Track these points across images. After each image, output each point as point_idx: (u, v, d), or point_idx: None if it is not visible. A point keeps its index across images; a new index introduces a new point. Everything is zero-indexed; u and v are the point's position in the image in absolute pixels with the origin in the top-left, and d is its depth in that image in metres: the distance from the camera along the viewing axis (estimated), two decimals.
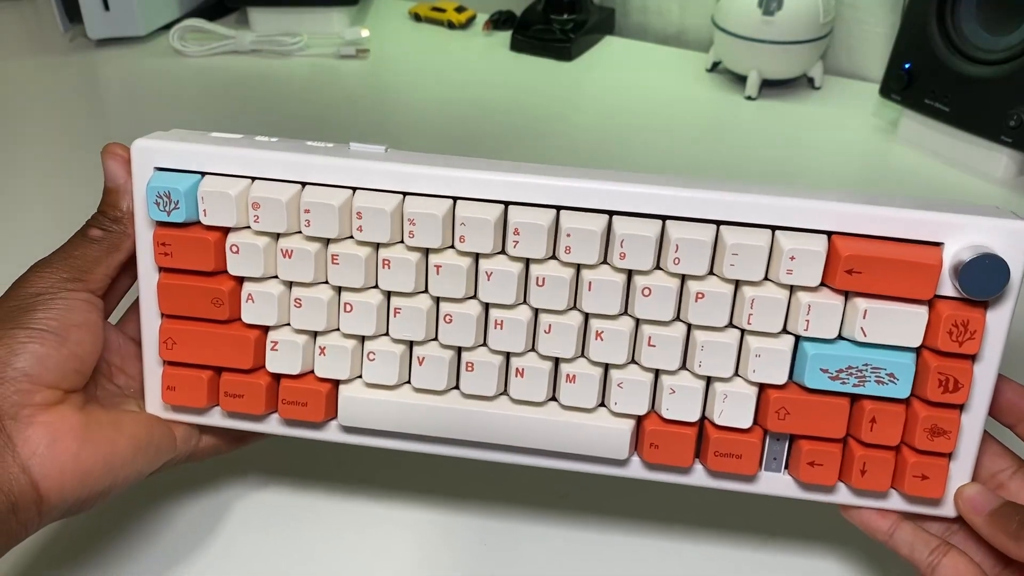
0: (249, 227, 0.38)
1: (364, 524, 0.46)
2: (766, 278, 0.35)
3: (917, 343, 0.35)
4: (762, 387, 0.37)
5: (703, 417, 0.38)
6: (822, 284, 0.35)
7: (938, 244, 0.34)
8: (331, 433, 0.41)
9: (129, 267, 0.41)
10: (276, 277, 0.38)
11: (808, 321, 0.35)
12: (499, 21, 0.98)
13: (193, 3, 1.01)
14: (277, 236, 0.38)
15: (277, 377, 0.39)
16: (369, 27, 0.96)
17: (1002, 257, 0.33)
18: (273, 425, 0.41)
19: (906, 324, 0.34)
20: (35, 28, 1.01)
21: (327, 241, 0.37)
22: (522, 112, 0.84)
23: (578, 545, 0.45)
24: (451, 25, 0.99)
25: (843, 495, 0.38)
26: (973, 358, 0.35)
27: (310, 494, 0.47)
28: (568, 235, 0.35)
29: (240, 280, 0.38)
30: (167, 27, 0.95)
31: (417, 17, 1.01)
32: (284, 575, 0.43)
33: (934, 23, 0.71)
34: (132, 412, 0.40)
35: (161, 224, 0.38)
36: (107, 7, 0.92)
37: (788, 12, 0.79)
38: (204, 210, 0.37)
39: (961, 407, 0.36)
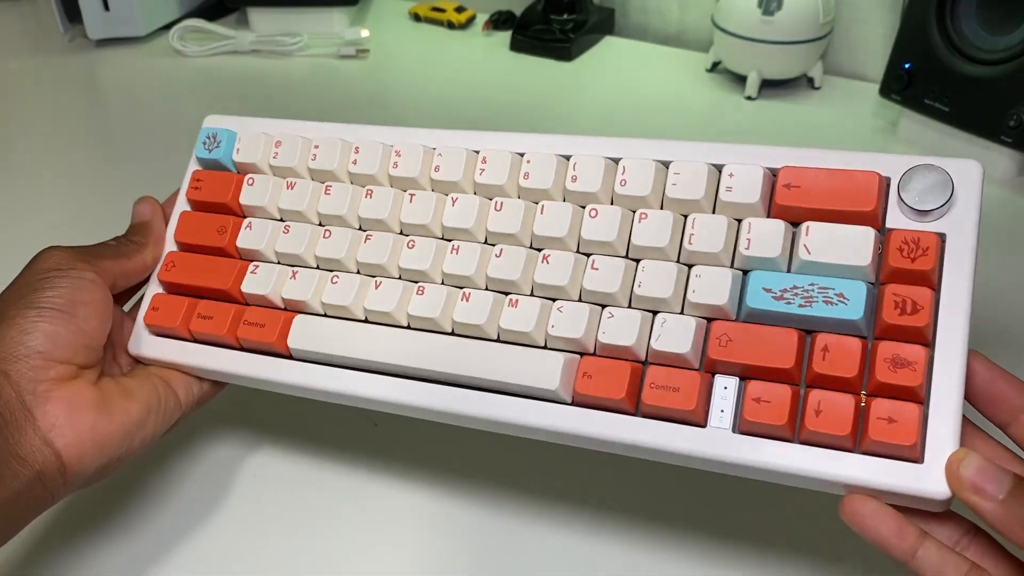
0: (267, 172, 0.45)
1: (366, 509, 0.46)
2: (713, 211, 0.37)
3: (866, 260, 0.33)
4: (707, 321, 0.36)
5: (645, 362, 0.36)
6: (765, 216, 0.36)
7: (881, 176, 0.35)
8: (284, 370, 0.42)
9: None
10: (280, 219, 0.44)
11: (750, 240, 0.35)
12: (499, 21, 0.98)
13: (193, 3, 1.01)
14: (287, 178, 0.44)
15: (246, 307, 0.43)
16: (369, 27, 0.96)
17: (943, 168, 0.33)
18: (234, 361, 0.43)
19: (853, 238, 0.34)
20: (35, 28, 1.01)
21: (325, 182, 0.44)
22: (522, 112, 0.84)
23: (576, 544, 0.45)
24: (451, 25, 0.99)
25: (800, 453, 0.33)
26: (931, 280, 0.33)
27: (315, 480, 0.48)
28: (528, 161, 0.40)
29: (246, 216, 0.45)
30: (167, 27, 0.95)
31: (417, 17, 1.01)
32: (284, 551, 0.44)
33: (934, 23, 0.71)
34: (140, 379, 0.42)
35: (203, 164, 0.46)
36: (107, 7, 0.92)
37: (788, 12, 0.79)
38: (238, 148, 0.45)
39: (928, 343, 0.32)
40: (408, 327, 0.40)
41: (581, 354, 0.37)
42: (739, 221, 0.36)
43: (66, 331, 0.38)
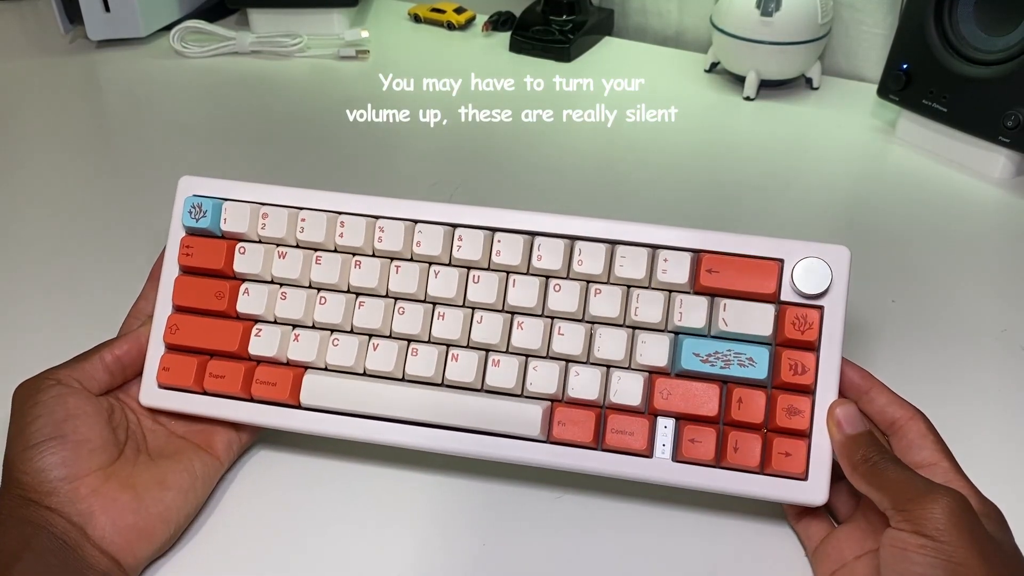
0: (256, 240, 0.47)
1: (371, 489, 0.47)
2: (649, 286, 0.45)
3: (768, 331, 0.43)
4: (650, 374, 0.44)
5: (603, 408, 0.44)
6: (692, 293, 0.44)
7: (779, 260, 0.44)
8: (295, 418, 0.46)
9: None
10: (271, 282, 0.47)
11: (681, 313, 0.44)
12: (498, 22, 0.98)
13: (193, 4, 1.01)
14: (277, 246, 0.47)
15: (255, 365, 0.47)
16: (369, 28, 0.97)
17: (824, 260, 0.43)
18: (247, 411, 0.46)
19: (758, 315, 0.44)
20: (35, 29, 1.01)
21: (315, 251, 0.47)
22: (521, 113, 0.84)
23: (572, 546, 0.45)
24: (450, 26, 1.00)
25: (723, 479, 0.43)
26: (815, 347, 0.43)
27: (317, 482, 0.48)
28: (499, 241, 0.46)
29: (241, 280, 0.47)
30: (167, 28, 0.95)
31: (417, 18, 1.02)
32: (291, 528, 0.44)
33: (932, 24, 0.71)
34: (175, 459, 0.45)
35: (189, 231, 0.48)
36: (107, 8, 0.92)
37: (786, 13, 0.79)
38: (225, 219, 0.47)
39: (812, 393, 0.43)
40: (403, 380, 0.46)
41: (552, 401, 0.45)
42: (669, 294, 0.45)
43: (69, 451, 0.42)
